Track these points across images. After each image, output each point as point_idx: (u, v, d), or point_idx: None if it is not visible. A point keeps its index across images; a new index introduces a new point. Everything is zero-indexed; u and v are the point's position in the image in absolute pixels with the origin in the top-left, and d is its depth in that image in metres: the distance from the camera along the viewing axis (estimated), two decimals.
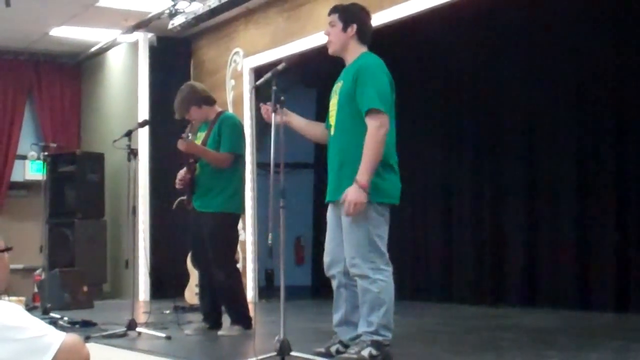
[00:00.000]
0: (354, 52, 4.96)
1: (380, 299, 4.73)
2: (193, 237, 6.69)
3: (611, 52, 7.81)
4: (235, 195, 6.56)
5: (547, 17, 8.11)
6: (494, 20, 8.47)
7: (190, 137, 6.47)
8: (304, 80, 10.89)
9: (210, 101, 6.71)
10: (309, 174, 11.81)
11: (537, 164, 8.56)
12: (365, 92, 4.73)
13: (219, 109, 6.79)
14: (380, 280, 4.74)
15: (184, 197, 6.70)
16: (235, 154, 6.52)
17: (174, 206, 6.84)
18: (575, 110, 8.20)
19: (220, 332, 6.50)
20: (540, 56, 8.42)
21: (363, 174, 4.62)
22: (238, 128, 6.66)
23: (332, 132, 4.97)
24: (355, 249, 4.76)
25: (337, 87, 4.98)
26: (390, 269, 4.82)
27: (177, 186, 6.65)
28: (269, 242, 4.81)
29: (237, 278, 6.66)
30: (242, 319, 6.51)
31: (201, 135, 6.67)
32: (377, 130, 4.67)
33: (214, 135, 6.54)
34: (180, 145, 6.43)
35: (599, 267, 7.84)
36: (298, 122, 5.19)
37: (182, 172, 6.64)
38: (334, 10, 5.04)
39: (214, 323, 6.65)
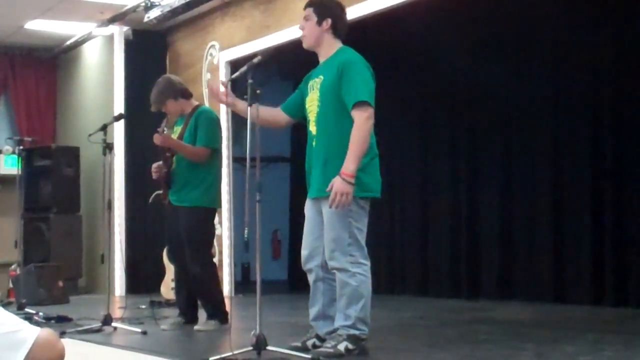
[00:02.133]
0: (329, 46, 4.97)
1: (359, 292, 4.73)
2: (169, 231, 6.68)
3: (589, 50, 7.84)
4: (211, 190, 6.54)
5: (530, 11, 8.12)
6: (473, 13, 8.48)
7: (166, 131, 6.46)
8: (280, 73, 10.87)
9: (186, 94, 6.69)
10: (285, 167, 11.80)
11: (513, 158, 8.60)
12: (352, 85, 4.73)
13: (196, 103, 6.76)
14: (359, 274, 4.75)
15: (160, 192, 6.68)
16: (212, 148, 6.50)
17: (150, 200, 6.83)
18: (552, 107, 8.23)
19: (196, 327, 6.48)
20: (519, 53, 8.45)
21: (349, 166, 4.63)
22: (214, 122, 6.64)
23: (312, 128, 4.96)
24: (335, 242, 4.76)
25: (316, 82, 4.96)
26: (368, 263, 4.84)
27: (153, 177, 6.61)
28: (245, 236, 4.80)
29: (212, 273, 6.64)
30: (218, 313, 6.49)
31: (177, 129, 6.65)
32: (364, 123, 4.67)
33: (190, 129, 6.51)
34: (156, 139, 6.41)
35: (575, 260, 7.89)
36: (242, 106, 5.09)
37: (157, 164, 6.60)
38: (309, 4, 5.05)
39: (190, 318, 6.63)
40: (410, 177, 9.59)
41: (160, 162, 6.59)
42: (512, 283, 8.52)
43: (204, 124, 6.51)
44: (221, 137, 6.77)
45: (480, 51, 8.73)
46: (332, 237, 4.78)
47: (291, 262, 11.41)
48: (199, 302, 6.69)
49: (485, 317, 7.16)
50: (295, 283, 10.71)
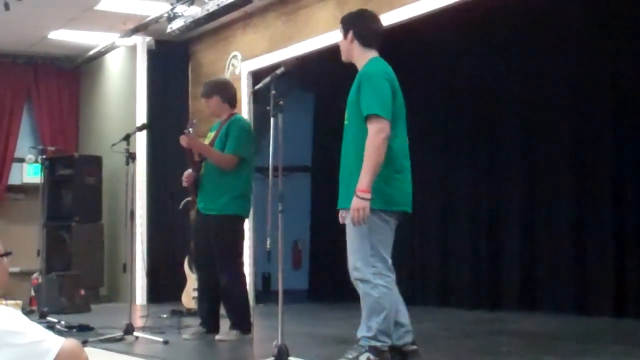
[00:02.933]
0: (361, 57, 4.97)
1: (380, 304, 4.71)
2: (196, 238, 6.66)
3: (611, 52, 7.81)
4: (240, 198, 6.47)
5: (549, 20, 8.10)
6: (493, 27, 8.47)
7: (191, 132, 6.43)
8: (302, 84, 10.89)
9: (233, 103, 6.71)
10: (306, 177, 11.80)
11: (535, 168, 8.57)
12: (365, 98, 4.74)
13: (234, 112, 6.75)
14: (381, 285, 4.73)
15: (190, 198, 6.69)
16: (239, 156, 6.45)
17: (181, 206, 6.83)
18: (574, 117, 8.20)
19: (217, 337, 6.47)
20: (540, 61, 8.42)
21: (362, 180, 4.62)
22: (246, 131, 6.58)
23: (344, 140, 4.97)
24: (357, 253, 4.75)
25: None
26: (392, 275, 4.80)
27: (184, 184, 6.62)
28: (268, 246, 4.80)
29: (240, 282, 6.57)
30: (241, 323, 6.46)
31: (211, 135, 6.64)
32: (375, 136, 4.66)
33: (221, 135, 6.49)
34: (182, 140, 6.41)
35: (597, 271, 7.84)
36: None
37: (188, 171, 6.61)
38: (341, 19, 5.10)
39: (211, 327, 6.61)
40: (431, 187, 9.56)
41: (190, 169, 6.58)
42: (534, 294, 8.47)
43: (234, 132, 6.48)
44: (252, 147, 6.65)
45: (501, 57, 8.71)
46: (354, 248, 4.78)
47: (312, 272, 11.42)
48: (220, 312, 6.68)
49: (506, 329, 7.12)
50: (315, 293, 10.70)
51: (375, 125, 4.68)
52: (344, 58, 5.07)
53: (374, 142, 4.65)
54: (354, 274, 4.79)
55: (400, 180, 4.84)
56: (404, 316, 4.91)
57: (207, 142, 6.57)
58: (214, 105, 6.64)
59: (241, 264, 6.67)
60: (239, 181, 6.46)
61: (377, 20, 5.11)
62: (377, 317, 4.71)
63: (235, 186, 6.43)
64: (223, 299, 6.55)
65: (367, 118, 4.71)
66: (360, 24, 5.02)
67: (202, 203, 6.51)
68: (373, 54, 4.98)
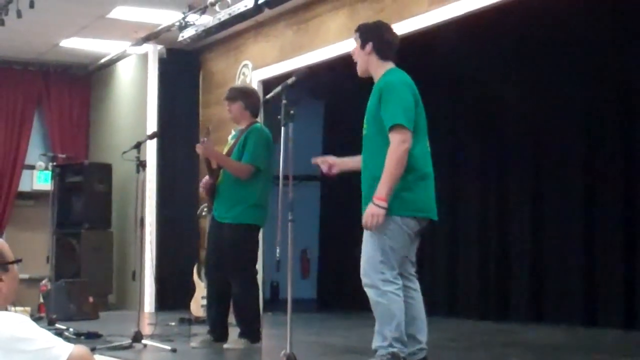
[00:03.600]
0: (378, 68, 4.95)
1: (391, 311, 4.69)
2: (209, 245, 6.65)
3: (620, 67, 7.81)
4: (256, 208, 6.44)
5: (558, 31, 8.10)
6: (503, 37, 8.47)
7: (206, 141, 6.43)
8: (312, 92, 10.91)
9: (255, 112, 6.68)
10: (315, 186, 11.80)
11: (543, 178, 8.55)
12: (388, 108, 4.73)
13: (255, 121, 6.75)
14: (390, 292, 4.71)
15: (207, 204, 6.70)
16: (256, 166, 6.41)
17: (199, 212, 6.84)
18: (583, 130, 8.19)
19: (225, 345, 6.46)
20: (550, 74, 8.42)
21: (380, 189, 4.63)
22: (264, 141, 6.52)
23: (363, 148, 4.96)
24: (368, 259, 4.75)
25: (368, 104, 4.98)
26: (399, 283, 4.79)
27: (200, 191, 6.64)
28: (277, 255, 4.80)
29: (251, 290, 6.54)
30: (250, 332, 6.43)
31: (230, 143, 6.64)
32: (398, 146, 4.66)
33: (240, 144, 6.47)
34: (198, 149, 6.42)
35: (607, 283, 7.82)
36: (348, 164, 5.17)
37: (206, 178, 6.62)
38: (357, 28, 5.08)
39: (219, 335, 6.59)
40: (439, 197, 9.51)
41: (207, 178, 6.58)
42: (543, 305, 8.45)
43: (252, 142, 6.45)
44: (269, 158, 6.55)
45: (510, 68, 8.71)
46: (366, 253, 4.78)
47: (320, 281, 11.41)
48: (229, 320, 6.67)
49: (515, 340, 7.10)
50: (324, 302, 10.70)
51: (399, 136, 4.68)
52: (360, 69, 5.03)
53: (396, 153, 4.66)
54: (363, 280, 4.79)
55: (422, 187, 4.85)
56: (422, 333, 4.89)
57: (225, 149, 6.58)
58: (235, 110, 6.61)
59: (254, 273, 6.65)
60: (255, 191, 6.42)
61: (393, 32, 5.11)
62: (390, 325, 4.69)
63: (251, 196, 6.39)
64: (234, 307, 6.54)
65: (390, 128, 4.71)
66: (380, 36, 5.00)
67: (217, 211, 6.51)
68: (390, 65, 4.97)
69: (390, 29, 5.09)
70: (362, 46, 4.96)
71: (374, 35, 4.98)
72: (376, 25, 5.12)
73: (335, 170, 5.19)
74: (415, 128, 4.80)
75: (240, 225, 6.37)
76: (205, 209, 9.31)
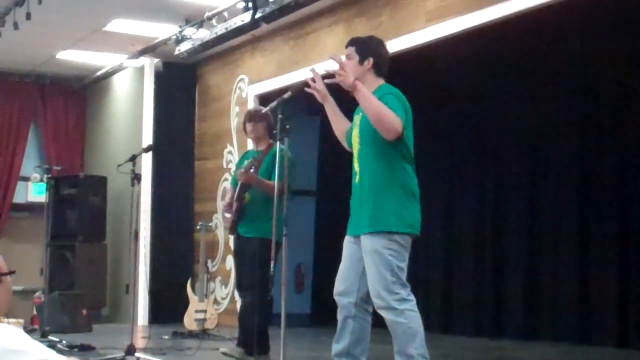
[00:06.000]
0: (371, 84, 4.88)
1: (413, 329, 4.63)
2: (239, 262, 6.74)
3: (616, 82, 7.85)
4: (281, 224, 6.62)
5: (554, 45, 8.14)
6: (500, 53, 8.50)
7: (252, 170, 6.54)
8: (308, 108, 10.90)
9: (272, 135, 6.79)
10: (310, 201, 11.80)
11: (538, 196, 8.57)
12: (389, 105, 4.68)
13: (272, 142, 6.84)
14: (407, 310, 4.64)
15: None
16: (285, 184, 6.58)
17: (228, 227, 6.89)
18: (578, 143, 8.23)
19: (222, 349, 6.49)
20: (546, 91, 8.45)
21: (360, 87, 4.64)
22: (291, 161, 6.71)
23: (355, 165, 4.88)
24: (379, 282, 4.66)
25: (357, 119, 4.92)
26: (414, 299, 4.75)
27: (226, 214, 6.69)
28: (272, 270, 4.79)
29: (267, 304, 6.60)
30: (250, 343, 6.44)
31: (246, 163, 6.74)
32: (397, 121, 4.60)
33: (267, 165, 6.59)
34: (241, 176, 6.48)
35: (600, 301, 7.82)
36: (333, 106, 5.12)
37: (226, 201, 6.70)
38: (351, 42, 5.00)
39: (251, 349, 6.61)
40: (434, 214, 9.56)
41: (228, 200, 6.69)
42: (536, 323, 8.45)
43: (282, 162, 6.61)
44: (294, 176, 6.75)
45: (506, 81, 8.74)
46: (376, 276, 4.68)
47: (314, 296, 11.39)
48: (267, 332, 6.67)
49: (509, 357, 7.10)
50: (318, 317, 10.67)
51: (400, 121, 4.61)
52: (348, 84, 5.00)
53: (392, 115, 4.59)
54: (377, 302, 4.70)
55: (415, 205, 4.81)
56: (365, 355, 4.87)
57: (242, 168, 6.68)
58: (261, 130, 6.76)
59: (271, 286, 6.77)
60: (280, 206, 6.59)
61: (387, 49, 5.11)
62: (413, 343, 4.62)
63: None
64: (243, 315, 6.59)
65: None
66: (379, 52, 4.95)
67: (244, 228, 6.59)
68: (382, 81, 4.94)
69: (385, 45, 5.09)
70: (361, 61, 4.92)
71: (374, 51, 4.93)
72: (374, 40, 5.07)
73: (319, 89, 5.10)
74: (408, 152, 4.76)
75: (267, 240, 6.43)
76: (201, 224, 9.40)
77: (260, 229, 6.49)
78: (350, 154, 4.93)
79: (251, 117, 6.87)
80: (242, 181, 6.53)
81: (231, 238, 10.37)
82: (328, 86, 4.93)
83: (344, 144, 5.10)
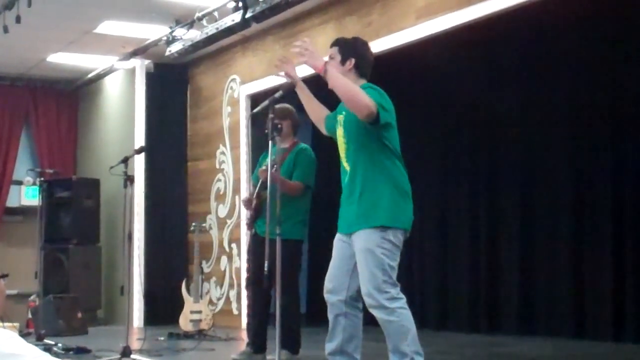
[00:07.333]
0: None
1: (404, 326, 4.64)
2: (253, 261, 6.75)
3: (609, 75, 7.85)
4: (302, 224, 6.69)
5: (546, 42, 8.15)
6: (491, 50, 8.51)
7: (275, 168, 6.54)
8: (300, 106, 10.90)
9: (296, 131, 6.85)
10: None
11: (533, 192, 8.57)
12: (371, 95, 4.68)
13: (297, 140, 6.87)
14: (398, 308, 4.65)
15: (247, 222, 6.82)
16: (306, 184, 6.63)
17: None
18: (574, 148, 8.22)
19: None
20: (538, 87, 8.46)
21: (330, 68, 4.66)
22: (313, 161, 6.78)
23: (344, 164, 4.87)
24: (370, 281, 4.67)
25: (340, 118, 4.91)
26: (404, 298, 4.76)
27: (247, 210, 6.77)
28: (266, 269, 4.79)
29: (298, 302, 6.75)
30: (294, 343, 6.51)
31: (265, 162, 6.73)
32: (369, 100, 4.58)
33: (288, 164, 6.62)
34: (262, 174, 6.47)
35: (597, 295, 7.83)
36: (306, 91, 5.13)
37: (246, 197, 6.75)
38: (335, 43, 5.04)
39: (259, 347, 6.63)
40: (429, 210, 9.56)
41: (248, 196, 6.70)
42: (533, 318, 8.46)
43: (303, 162, 6.66)
44: (315, 177, 6.82)
45: (501, 88, 8.75)
46: (367, 275, 4.69)
47: (309, 296, 11.38)
48: (266, 331, 6.69)
49: (505, 353, 7.11)
50: (313, 316, 10.66)
51: (373, 103, 4.59)
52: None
53: (362, 92, 4.61)
54: (368, 301, 4.71)
55: (407, 202, 4.80)
56: (358, 351, 4.90)
57: (260, 168, 6.69)
58: (286, 127, 6.71)
59: (298, 285, 6.80)
60: (302, 207, 6.65)
61: (371, 50, 5.11)
62: (406, 341, 4.63)
63: (299, 212, 6.59)
64: (282, 318, 6.60)
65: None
66: (362, 54, 4.96)
67: (262, 227, 6.58)
68: (364, 81, 4.93)
69: (369, 47, 5.09)
70: (343, 62, 4.91)
71: (357, 52, 4.94)
72: (358, 42, 5.08)
73: (290, 75, 5.15)
74: (396, 149, 4.77)
75: (289, 240, 6.43)
76: (195, 225, 9.41)
77: (283, 229, 6.48)
78: None
79: (275, 110, 6.85)
80: (263, 179, 6.53)
81: (225, 238, 10.44)
82: (309, 84, 4.96)
83: (322, 129, 5.15)
